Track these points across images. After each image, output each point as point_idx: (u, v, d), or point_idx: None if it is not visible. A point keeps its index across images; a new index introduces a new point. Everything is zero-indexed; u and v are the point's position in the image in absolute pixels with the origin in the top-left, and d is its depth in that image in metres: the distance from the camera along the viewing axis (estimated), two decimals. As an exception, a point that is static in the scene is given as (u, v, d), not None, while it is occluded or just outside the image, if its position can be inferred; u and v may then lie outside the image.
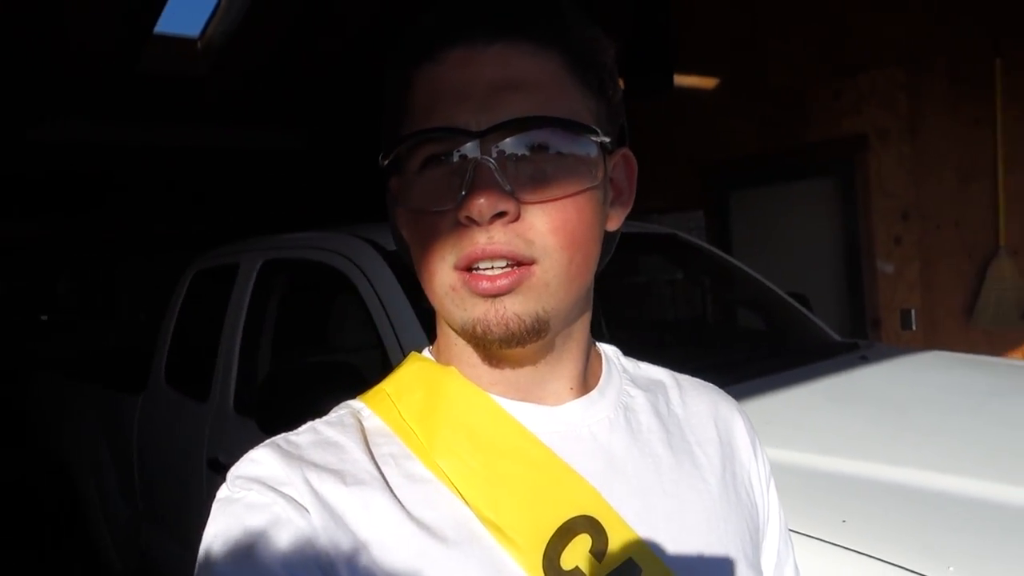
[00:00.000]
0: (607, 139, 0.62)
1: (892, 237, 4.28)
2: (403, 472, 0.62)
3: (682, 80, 4.99)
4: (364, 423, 0.66)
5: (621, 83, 0.69)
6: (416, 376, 0.69)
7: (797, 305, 2.87)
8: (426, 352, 0.72)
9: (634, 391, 0.72)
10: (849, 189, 4.44)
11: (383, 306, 2.11)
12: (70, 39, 5.16)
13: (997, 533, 1.27)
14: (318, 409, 2.20)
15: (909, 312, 4.19)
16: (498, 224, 0.58)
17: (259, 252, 2.75)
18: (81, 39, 5.21)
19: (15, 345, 6.36)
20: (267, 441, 0.64)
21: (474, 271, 0.59)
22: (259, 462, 0.60)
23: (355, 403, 0.69)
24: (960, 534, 1.27)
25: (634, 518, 0.63)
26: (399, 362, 0.73)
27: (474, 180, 0.57)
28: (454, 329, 0.64)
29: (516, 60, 0.60)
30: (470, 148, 0.58)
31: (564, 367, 0.67)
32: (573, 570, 0.60)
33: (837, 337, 2.75)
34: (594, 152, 0.62)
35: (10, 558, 4.50)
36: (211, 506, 0.61)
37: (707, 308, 3.49)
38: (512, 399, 0.65)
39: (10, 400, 5.01)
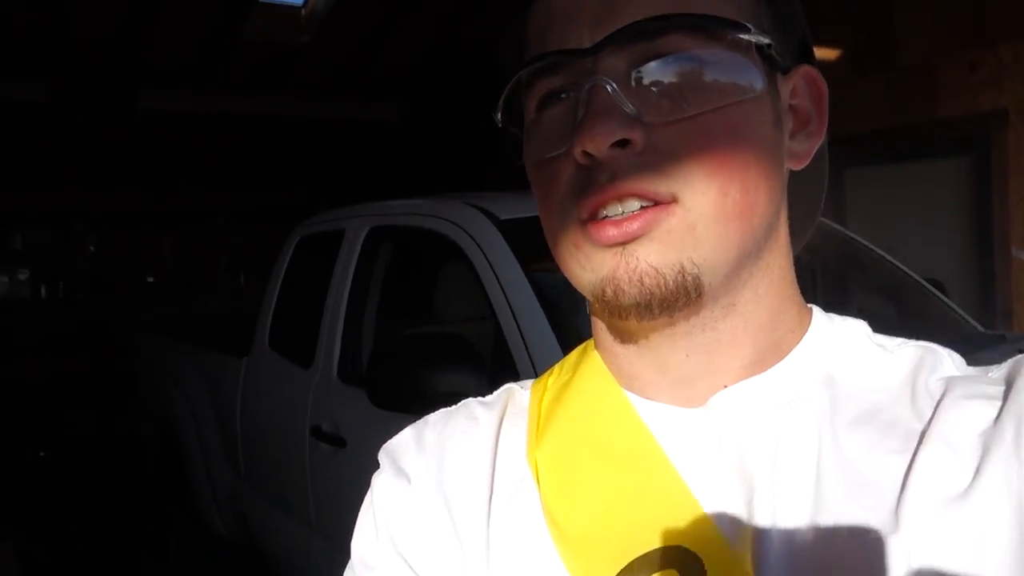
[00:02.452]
0: (765, 40, 0.48)
1: (1030, 222, 3.95)
2: (509, 459, 0.57)
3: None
4: (512, 400, 0.62)
5: None
6: (575, 358, 0.62)
7: (936, 292, 2.64)
8: None
9: (822, 394, 0.51)
10: (983, 169, 4.11)
11: (496, 277, 2.01)
12: (178, 6, 5.25)
13: None
14: (429, 380, 2.08)
15: (1047, 304, 3.87)
16: (622, 157, 0.45)
17: (365, 218, 2.69)
18: (189, 5, 5.30)
19: (123, 307, 6.57)
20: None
21: (600, 219, 0.47)
22: (399, 435, 0.62)
23: (526, 381, 0.65)
24: None
25: (772, 564, 0.46)
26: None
27: (588, 106, 0.45)
28: (587, 298, 0.52)
29: None
30: (583, 69, 0.47)
31: (723, 356, 0.51)
32: None
33: (981, 328, 2.52)
34: (745, 56, 0.48)
35: (117, 517, 4.65)
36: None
37: (834, 292, 3.26)
38: (650, 399, 0.53)
39: (118, 362, 5.17)
